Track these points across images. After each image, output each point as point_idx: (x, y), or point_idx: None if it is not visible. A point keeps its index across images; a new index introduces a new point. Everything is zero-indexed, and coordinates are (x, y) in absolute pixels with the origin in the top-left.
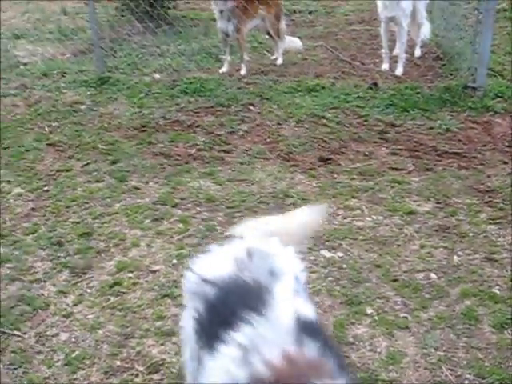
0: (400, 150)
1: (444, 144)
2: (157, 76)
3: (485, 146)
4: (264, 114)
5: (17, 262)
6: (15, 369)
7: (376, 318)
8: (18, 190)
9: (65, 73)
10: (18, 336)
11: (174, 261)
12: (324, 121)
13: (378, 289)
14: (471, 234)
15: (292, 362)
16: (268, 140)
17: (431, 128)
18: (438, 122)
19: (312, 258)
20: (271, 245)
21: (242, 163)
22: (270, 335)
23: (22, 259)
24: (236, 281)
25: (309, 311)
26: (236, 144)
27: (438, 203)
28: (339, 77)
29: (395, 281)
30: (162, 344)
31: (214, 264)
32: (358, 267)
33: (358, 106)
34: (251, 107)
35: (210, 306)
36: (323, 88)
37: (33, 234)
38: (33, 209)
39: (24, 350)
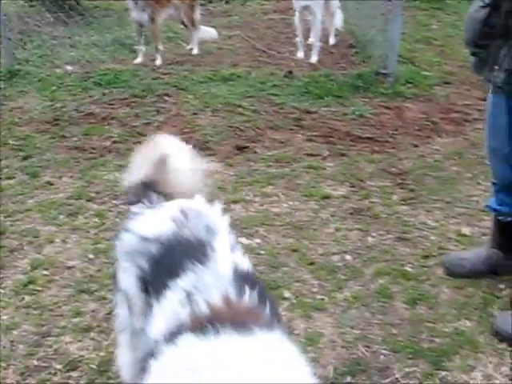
0: (315, 136)
1: (357, 129)
2: (69, 68)
3: (396, 130)
4: (180, 105)
5: None
6: None
7: (294, 301)
8: None
9: None
10: None
11: (91, 255)
12: (240, 109)
13: (295, 273)
14: (384, 216)
15: (231, 306)
16: (184, 130)
17: (345, 114)
18: (352, 108)
19: None
20: (200, 203)
21: None
22: (212, 282)
23: None
24: (177, 237)
25: (245, 264)
26: (152, 135)
27: (352, 187)
28: (255, 66)
29: (312, 264)
30: (79, 340)
31: (152, 224)
32: (276, 252)
33: (273, 94)
34: (167, 98)
35: (155, 262)
36: (239, 77)
37: None
38: None
39: None
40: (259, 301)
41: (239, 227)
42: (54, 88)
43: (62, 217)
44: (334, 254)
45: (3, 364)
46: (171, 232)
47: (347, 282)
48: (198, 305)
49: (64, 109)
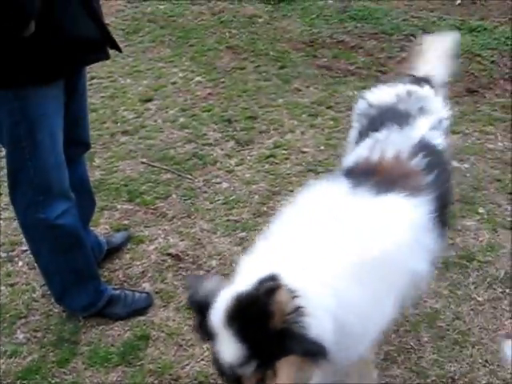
0: None
1: None
2: (330, 1)
3: None
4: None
5: (193, 129)
6: (185, 200)
7: (485, 216)
8: (198, 78)
9: None
10: (190, 179)
11: (322, 147)
12: (479, 59)
13: (493, 197)
14: None
15: (396, 161)
16: None
17: None
18: None
19: None
20: (427, 91)
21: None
22: (397, 140)
23: (198, 128)
24: (392, 107)
25: (439, 141)
26: (392, 68)
27: None
28: (503, 22)
29: (510, 193)
30: None
31: (380, 96)
32: (480, 178)
33: None
34: (412, 38)
35: (370, 120)
36: (485, 29)
37: (208, 111)
38: (209, 94)
39: (193, 189)
40: (426, 170)
41: (455, 153)
42: (314, 16)
43: (304, 115)
44: None
45: (241, 204)
46: (390, 103)
47: None
48: (373, 153)
49: (319, 34)
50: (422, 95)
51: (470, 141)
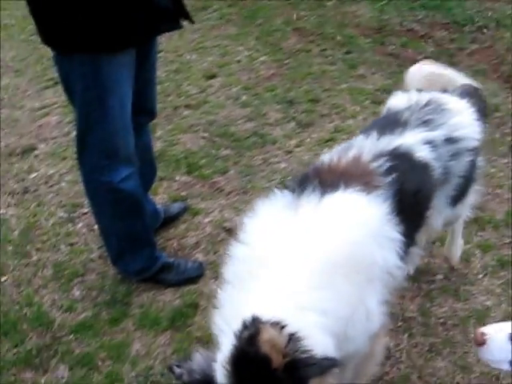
0: None
1: None
2: None
3: None
4: (495, 39)
5: (254, 108)
6: (243, 176)
7: None
8: (263, 58)
9: None
10: (250, 156)
11: None
12: None
13: None
14: None
15: (354, 161)
16: (493, 62)
17: None
18: None
19: (504, 161)
20: (459, 105)
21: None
22: (366, 145)
23: (259, 107)
24: (394, 114)
25: (424, 154)
26: (461, 60)
27: None
28: None
29: None
30: None
31: (400, 99)
32: None
33: None
34: (485, 30)
35: (375, 125)
36: None
37: (271, 91)
38: (273, 74)
39: (251, 166)
40: (387, 173)
41: None
42: (384, 2)
43: (367, 102)
44: None
45: None
46: (396, 109)
47: None
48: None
49: (388, 21)
50: (443, 107)
51: None
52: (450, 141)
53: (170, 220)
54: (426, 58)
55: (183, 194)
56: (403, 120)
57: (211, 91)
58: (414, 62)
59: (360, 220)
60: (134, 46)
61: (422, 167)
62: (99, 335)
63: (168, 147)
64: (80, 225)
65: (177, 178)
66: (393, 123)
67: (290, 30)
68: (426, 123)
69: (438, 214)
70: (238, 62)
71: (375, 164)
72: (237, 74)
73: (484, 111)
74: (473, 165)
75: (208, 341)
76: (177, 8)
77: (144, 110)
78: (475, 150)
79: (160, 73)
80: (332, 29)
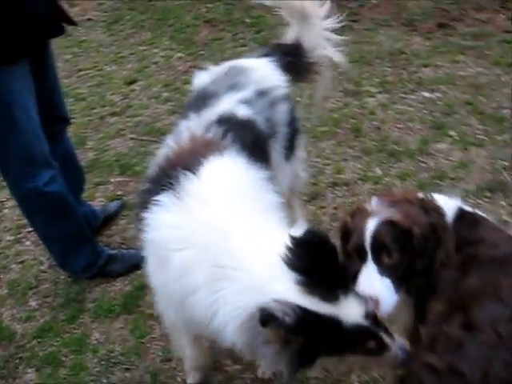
0: None
1: None
2: None
3: None
4: None
5: (176, 101)
6: None
7: (457, 138)
8: (179, 54)
9: None
10: None
11: None
12: None
13: (464, 119)
14: None
15: (193, 140)
16: (393, 11)
17: None
18: None
19: (413, 97)
20: (257, 61)
21: (367, 29)
22: (194, 123)
23: (181, 99)
24: (204, 89)
25: (244, 112)
26: (364, 15)
27: None
28: None
29: (481, 113)
30: None
31: (204, 76)
32: (451, 103)
33: None
34: None
35: (186, 106)
36: None
37: (189, 83)
38: (190, 67)
39: None
40: (222, 134)
41: (425, 84)
42: None
43: None
44: (505, 107)
45: None
46: (204, 85)
47: (510, 129)
48: (170, 146)
49: None
50: (241, 70)
51: (441, 71)
52: (261, 94)
53: (111, 218)
54: None
55: (119, 193)
56: (213, 92)
57: (133, 96)
58: None
59: (241, 173)
60: (23, 57)
61: (248, 123)
62: (59, 335)
63: (99, 155)
64: (27, 243)
65: (112, 180)
66: (206, 98)
67: (201, 23)
68: (233, 87)
69: (281, 171)
70: (155, 63)
71: (210, 134)
72: (155, 75)
73: (292, 64)
74: (292, 115)
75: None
76: (57, 14)
77: (56, 117)
78: (288, 100)
79: (83, 89)
80: (240, 14)
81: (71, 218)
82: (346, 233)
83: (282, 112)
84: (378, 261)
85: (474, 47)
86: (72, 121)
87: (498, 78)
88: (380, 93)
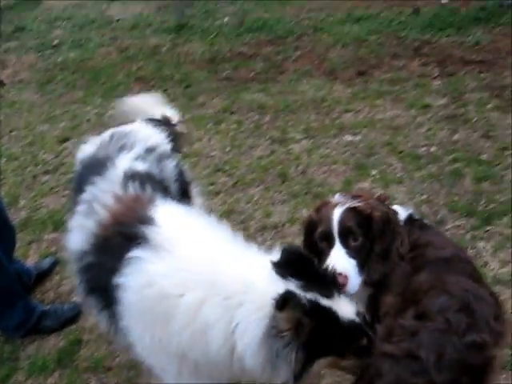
0: (430, 61)
1: (471, 55)
2: (226, 19)
3: (510, 53)
4: (315, 42)
5: None
6: None
7: (378, 176)
8: (110, 112)
9: (150, 24)
10: None
11: (228, 149)
12: (366, 43)
13: (384, 159)
14: (475, 119)
15: (120, 200)
16: (316, 62)
17: (463, 43)
18: (470, 37)
19: (336, 141)
20: (136, 124)
21: (291, 80)
22: (106, 187)
23: None
24: (93, 158)
25: (143, 167)
26: (288, 67)
27: (452, 98)
28: (387, 5)
29: (400, 153)
30: None
31: (87, 147)
32: (372, 145)
33: (398, 30)
34: (305, 37)
35: (76, 180)
36: (370, 16)
37: None
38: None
39: None
40: (140, 187)
41: (347, 129)
42: (213, 36)
43: (209, 125)
44: (421, 146)
45: None
46: (91, 154)
47: (427, 166)
48: (97, 211)
49: (219, 50)
50: (124, 133)
51: (361, 116)
52: (148, 150)
53: (45, 274)
54: (256, 74)
55: (53, 249)
56: (105, 157)
57: (66, 153)
58: (247, 80)
59: (187, 214)
60: None
61: (147, 176)
62: None
63: (32, 213)
64: None
65: (45, 237)
66: (100, 163)
67: (132, 80)
68: (122, 148)
69: None
70: (88, 120)
71: (130, 190)
72: (88, 133)
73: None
74: (180, 169)
75: (95, 367)
76: None
77: None
78: (173, 155)
79: (15, 149)
80: (169, 70)
81: (1, 276)
82: (311, 224)
83: (170, 167)
84: (345, 244)
85: (390, 92)
86: (4, 181)
87: (413, 119)
88: (305, 138)
